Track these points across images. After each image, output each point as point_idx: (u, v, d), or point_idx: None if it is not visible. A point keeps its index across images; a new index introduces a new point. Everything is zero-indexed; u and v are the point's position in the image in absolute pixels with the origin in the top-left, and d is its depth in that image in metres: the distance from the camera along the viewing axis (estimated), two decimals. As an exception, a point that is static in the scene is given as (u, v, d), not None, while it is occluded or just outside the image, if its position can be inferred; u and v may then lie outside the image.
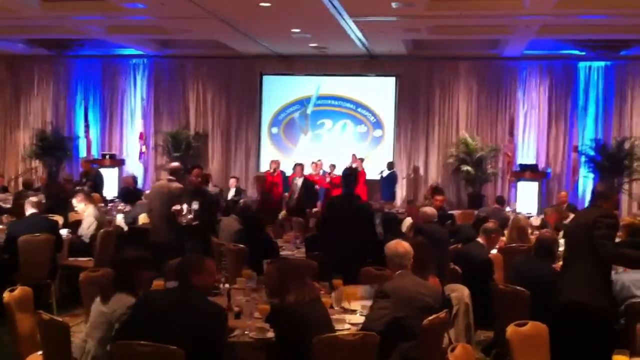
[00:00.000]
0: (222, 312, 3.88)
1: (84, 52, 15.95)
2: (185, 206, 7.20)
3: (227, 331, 3.98)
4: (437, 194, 9.83)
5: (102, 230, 7.92)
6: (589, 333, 4.61)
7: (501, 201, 11.34)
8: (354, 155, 15.21)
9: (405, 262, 4.46)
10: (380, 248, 5.02)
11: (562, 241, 7.51)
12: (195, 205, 7.30)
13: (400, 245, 4.53)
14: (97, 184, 13.38)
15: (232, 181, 14.15)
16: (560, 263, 5.43)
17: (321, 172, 14.68)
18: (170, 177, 7.52)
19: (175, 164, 8.06)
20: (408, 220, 8.62)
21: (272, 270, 4.42)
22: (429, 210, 7.53)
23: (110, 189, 14.81)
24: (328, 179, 14.34)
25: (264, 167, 15.12)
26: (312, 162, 14.77)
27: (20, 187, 15.91)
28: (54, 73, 17.02)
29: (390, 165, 15.04)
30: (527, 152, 15.38)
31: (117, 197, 12.89)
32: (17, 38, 14.70)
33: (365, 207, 6.85)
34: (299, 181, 13.47)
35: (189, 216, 7.23)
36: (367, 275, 5.90)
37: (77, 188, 11.34)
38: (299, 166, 13.79)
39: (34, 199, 7.82)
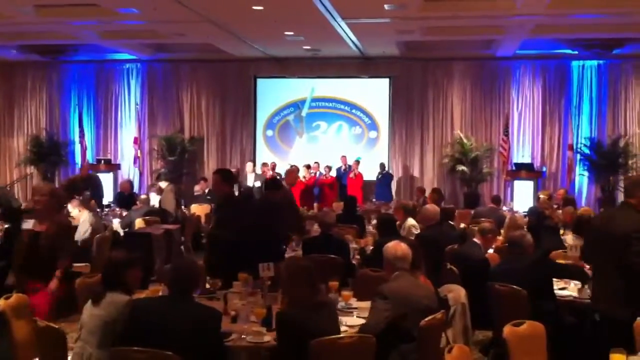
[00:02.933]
0: (216, 314, 3.86)
1: (77, 57, 15.90)
2: None
3: (222, 334, 3.95)
4: (432, 193, 9.92)
5: (98, 236, 7.90)
6: (603, 338, 4.45)
7: (497, 201, 11.36)
8: (343, 156, 15.23)
9: (404, 265, 4.42)
10: None
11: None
12: None
13: (399, 247, 4.48)
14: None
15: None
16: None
17: (317, 174, 14.67)
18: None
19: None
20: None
21: (282, 271, 4.39)
22: (430, 207, 7.24)
23: (106, 194, 14.74)
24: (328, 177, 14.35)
25: (259, 170, 15.05)
26: (305, 165, 14.51)
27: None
28: (47, 79, 16.98)
29: (382, 167, 15.06)
30: (522, 151, 15.41)
31: (113, 202, 12.82)
32: (11, 44, 14.64)
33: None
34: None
35: None
36: (364, 277, 5.91)
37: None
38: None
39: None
